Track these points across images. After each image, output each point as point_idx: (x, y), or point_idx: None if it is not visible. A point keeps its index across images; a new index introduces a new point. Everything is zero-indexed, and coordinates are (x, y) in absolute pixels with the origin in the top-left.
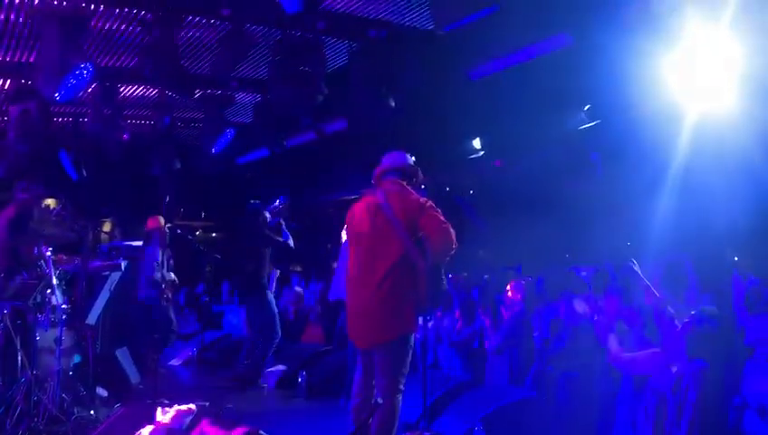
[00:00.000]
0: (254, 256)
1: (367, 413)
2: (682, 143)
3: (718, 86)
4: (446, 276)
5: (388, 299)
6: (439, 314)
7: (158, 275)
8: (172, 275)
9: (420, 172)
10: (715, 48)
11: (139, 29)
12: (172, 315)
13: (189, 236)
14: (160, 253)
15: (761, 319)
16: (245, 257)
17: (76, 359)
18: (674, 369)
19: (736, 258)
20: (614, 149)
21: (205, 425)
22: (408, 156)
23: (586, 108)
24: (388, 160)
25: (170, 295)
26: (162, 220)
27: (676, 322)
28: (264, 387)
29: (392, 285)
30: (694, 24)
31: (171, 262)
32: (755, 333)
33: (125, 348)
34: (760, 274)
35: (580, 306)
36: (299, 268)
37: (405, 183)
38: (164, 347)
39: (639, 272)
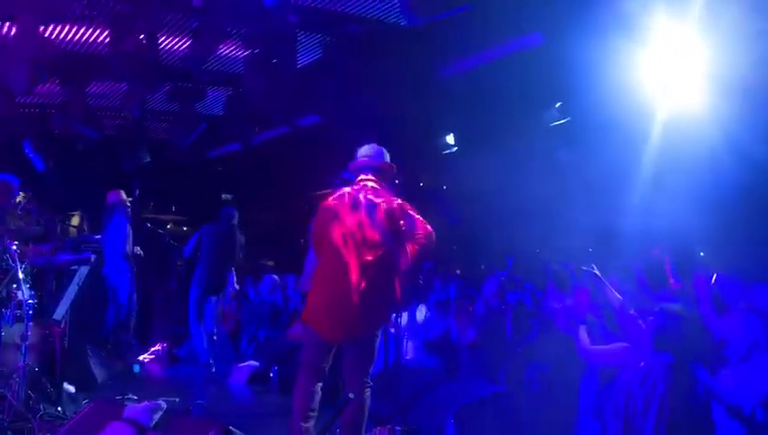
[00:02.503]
0: (229, 255)
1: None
2: (651, 141)
3: (686, 85)
4: (422, 272)
5: (367, 295)
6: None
7: (128, 249)
8: (138, 249)
9: (395, 169)
10: (682, 47)
11: (108, 20)
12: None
13: (160, 231)
14: (127, 225)
15: (730, 317)
16: (221, 256)
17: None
18: (642, 364)
19: (702, 254)
20: (585, 147)
21: (173, 422)
22: (385, 152)
23: (557, 105)
24: (365, 157)
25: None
26: (123, 193)
27: (640, 321)
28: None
29: (371, 281)
30: (662, 22)
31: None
32: (724, 332)
33: (93, 344)
34: (727, 271)
35: (552, 302)
36: (271, 263)
37: (382, 181)
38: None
39: (599, 275)
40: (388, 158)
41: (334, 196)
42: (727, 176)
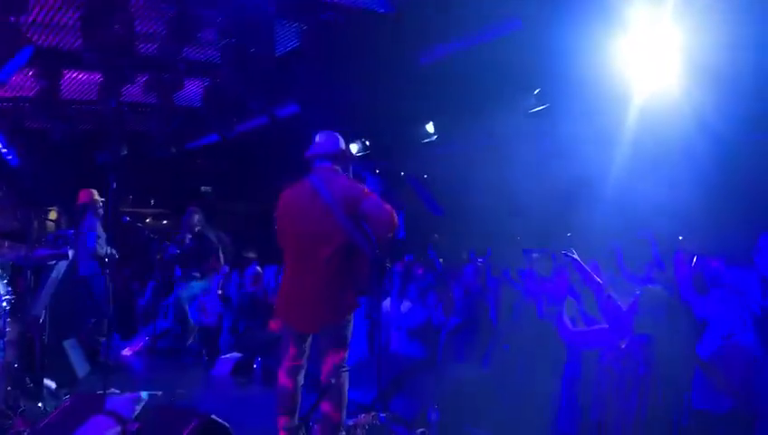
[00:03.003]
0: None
1: (315, 395)
2: (628, 125)
3: (662, 69)
4: (390, 257)
5: (332, 283)
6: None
7: (101, 250)
8: (112, 250)
9: (351, 154)
10: (658, 32)
11: (81, 11)
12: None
13: (139, 224)
14: (99, 226)
15: (710, 298)
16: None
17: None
18: (623, 345)
19: (681, 238)
20: (563, 133)
21: (155, 413)
22: (340, 138)
23: (536, 92)
24: (320, 144)
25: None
26: (95, 193)
27: (620, 303)
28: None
29: (336, 269)
30: (639, 8)
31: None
32: (706, 312)
33: (73, 339)
34: (705, 253)
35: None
36: (253, 254)
37: (338, 168)
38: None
39: (579, 260)
40: (343, 144)
41: (292, 187)
42: (703, 159)
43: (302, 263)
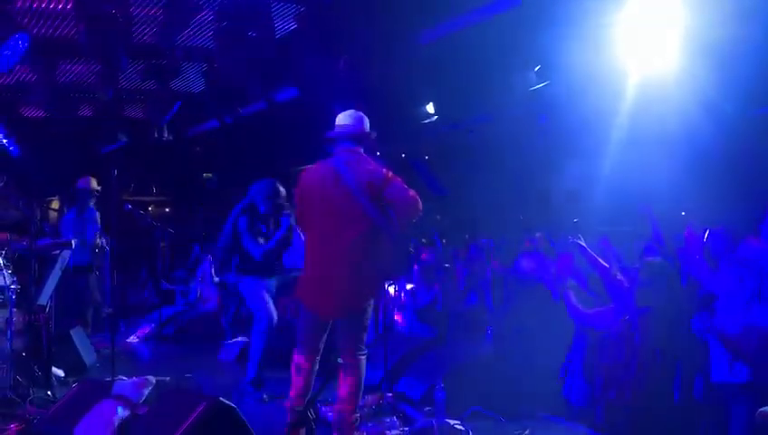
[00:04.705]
0: None
1: (323, 376)
2: (628, 101)
3: (662, 46)
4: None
5: (357, 269)
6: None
7: (97, 240)
8: (105, 241)
9: (373, 136)
10: (659, 8)
11: None
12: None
13: (141, 212)
14: (98, 216)
15: (720, 272)
16: None
17: None
18: (625, 318)
19: (683, 213)
20: (563, 110)
21: (163, 396)
22: (365, 119)
23: (536, 69)
24: (343, 125)
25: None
26: (94, 182)
27: (622, 277)
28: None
29: (361, 254)
30: None
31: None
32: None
33: (79, 327)
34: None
35: (526, 264)
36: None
37: (360, 150)
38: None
39: (585, 245)
40: (367, 124)
41: (314, 169)
42: (702, 134)
43: (326, 247)
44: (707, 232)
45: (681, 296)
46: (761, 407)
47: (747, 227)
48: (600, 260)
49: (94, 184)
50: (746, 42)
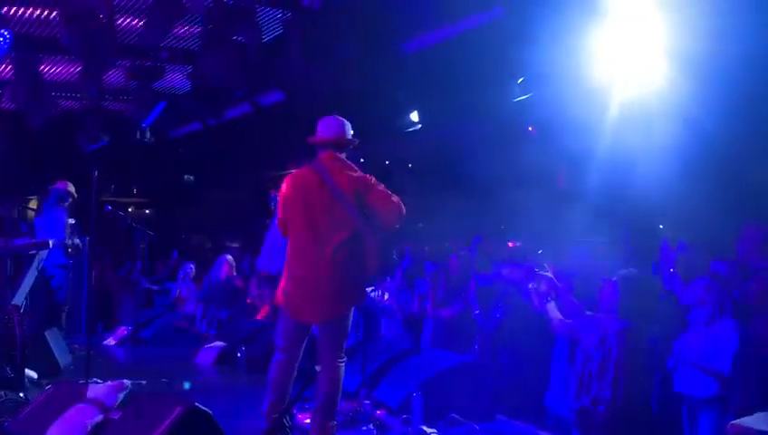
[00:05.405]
0: None
1: (300, 383)
2: (612, 115)
3: (646, 61)
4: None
5: (339, 275)
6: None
7: (68, 241)
8: (77, 240)
9: (356, 142)
10: (642, 23)
11: None
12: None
13: (121, 213)
14: (65, 218)
15: (693, 284)
16: None
17: None
18: (601, 329)
19: (661, 226)
20: (546, 123)
21: (139, 400)
22: (347, 125)
23: (519, 81)
24: (325, 131)
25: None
26: (71, 186)
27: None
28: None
29: (343, 260)
30: None
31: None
32: (689, 298)
33: (55, 329)
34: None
35: (506, 271)
36: (236, 244)
37: (344, 155)
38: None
39: (551, 275)
40: (350, 130)
41: (297, 174)
42: (686, 150)
43: (308, 252)
44: (680, 246)
45: (661, 307)
46: (729, 420)
47: (726, 243)
48: (569, 295)
49: (71, 188)
50: (730, 57)
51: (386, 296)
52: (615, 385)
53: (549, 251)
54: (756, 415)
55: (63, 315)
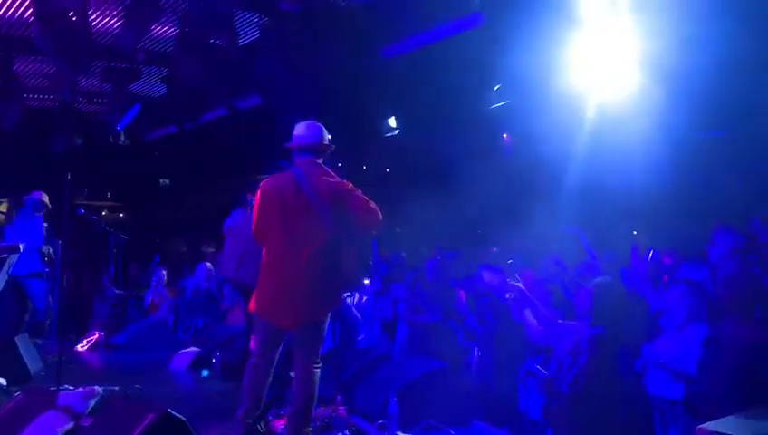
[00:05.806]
0: None
1: (275, 388)
2: (586, 123)
3: (619, 68)
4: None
5: (316, 280)
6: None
7: (44, 248)
8: (50, 249)
9: (332, 148)
10: (616, 31)
11: None
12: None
13: (95, 217)
14: (43, 227)
15: (665, 290)
16: None
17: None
18: (576, 336)
19: (635, 232)
20: (523, 129)
21: (110, 406)
22: (323, 130)
23: (496, 88)
24: (302, 136)
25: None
26: (46, 196)
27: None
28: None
29: (320, 265)
30: (596, 7)
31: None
32: (659, 304)
33: (25, 334)
34: (659, 247)
35: (487, 276)
36: (212, 249)
37: (320, 161)
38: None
39: (523, 287)
40: (326, 136)
41: (273, 179)
42: (658, 156)
43: (285, 258)
44: (651, 252)
45: (634, 313)
46: (696, 423)
47: (696, 247)
48: (541, 308)
49: (46, 199)
50: (701, 65)
51: (364, 299)
52: (576, 380)
53: (528, 257)
54: (725, 419)
55: (47, 322)
